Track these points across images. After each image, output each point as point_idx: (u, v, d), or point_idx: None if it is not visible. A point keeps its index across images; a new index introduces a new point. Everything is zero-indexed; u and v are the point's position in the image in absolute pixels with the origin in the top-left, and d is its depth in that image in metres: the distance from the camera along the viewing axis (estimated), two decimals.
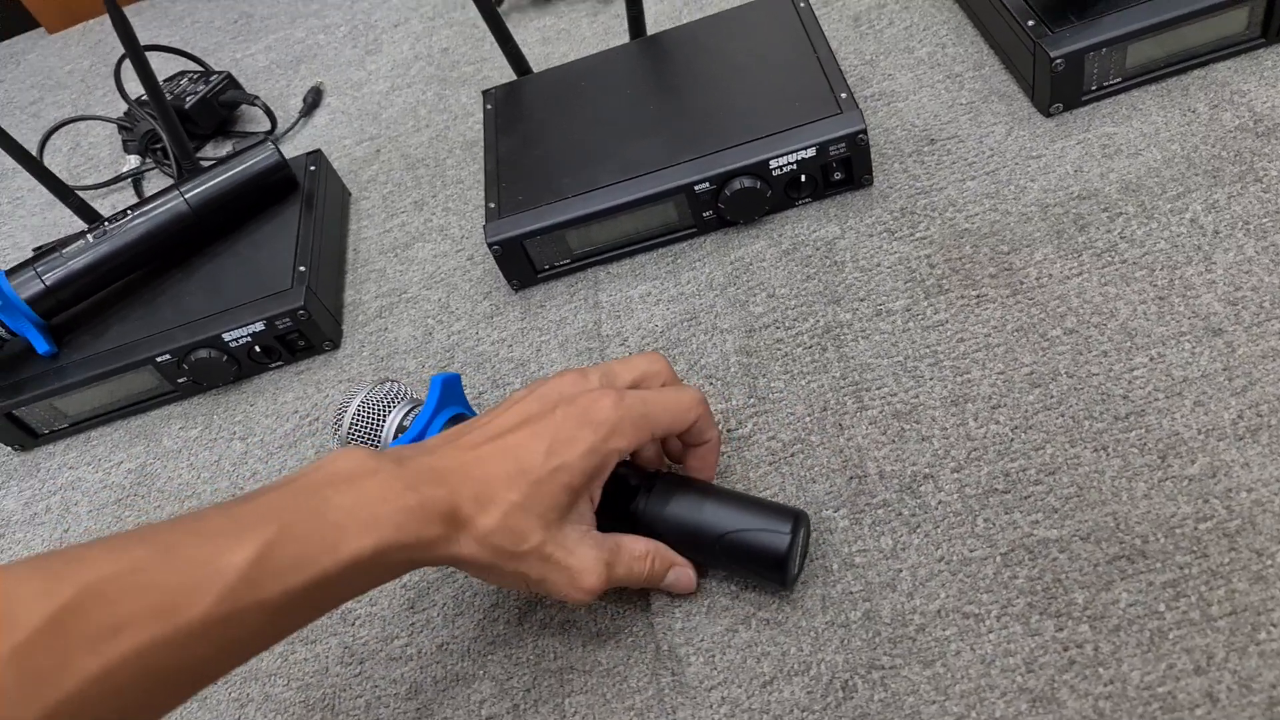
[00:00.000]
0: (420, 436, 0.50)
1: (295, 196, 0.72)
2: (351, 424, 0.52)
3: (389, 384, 0.54)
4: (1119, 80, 0.60)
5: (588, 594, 0.43)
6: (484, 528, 0.41)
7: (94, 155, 0.95)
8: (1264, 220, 0.52)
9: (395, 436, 0.52)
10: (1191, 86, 0.60)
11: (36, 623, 0.31)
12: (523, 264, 0.63)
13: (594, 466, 0.43)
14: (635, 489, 0.47)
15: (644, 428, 0.44)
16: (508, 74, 0.76)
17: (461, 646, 0.50)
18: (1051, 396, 0.49)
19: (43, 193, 0.92)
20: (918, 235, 0.58)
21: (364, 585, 0.40)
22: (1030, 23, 0.59)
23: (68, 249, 0.66)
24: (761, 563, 0.45)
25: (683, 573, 0.46)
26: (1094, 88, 0.60)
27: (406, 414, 0.53)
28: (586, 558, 0.43)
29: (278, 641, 0.38)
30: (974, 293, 0.55)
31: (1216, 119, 0.57)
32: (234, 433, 0.64)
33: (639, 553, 0.45)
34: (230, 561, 0.35)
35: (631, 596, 0.49)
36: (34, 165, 0.72)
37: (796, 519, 0.45)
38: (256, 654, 0.37)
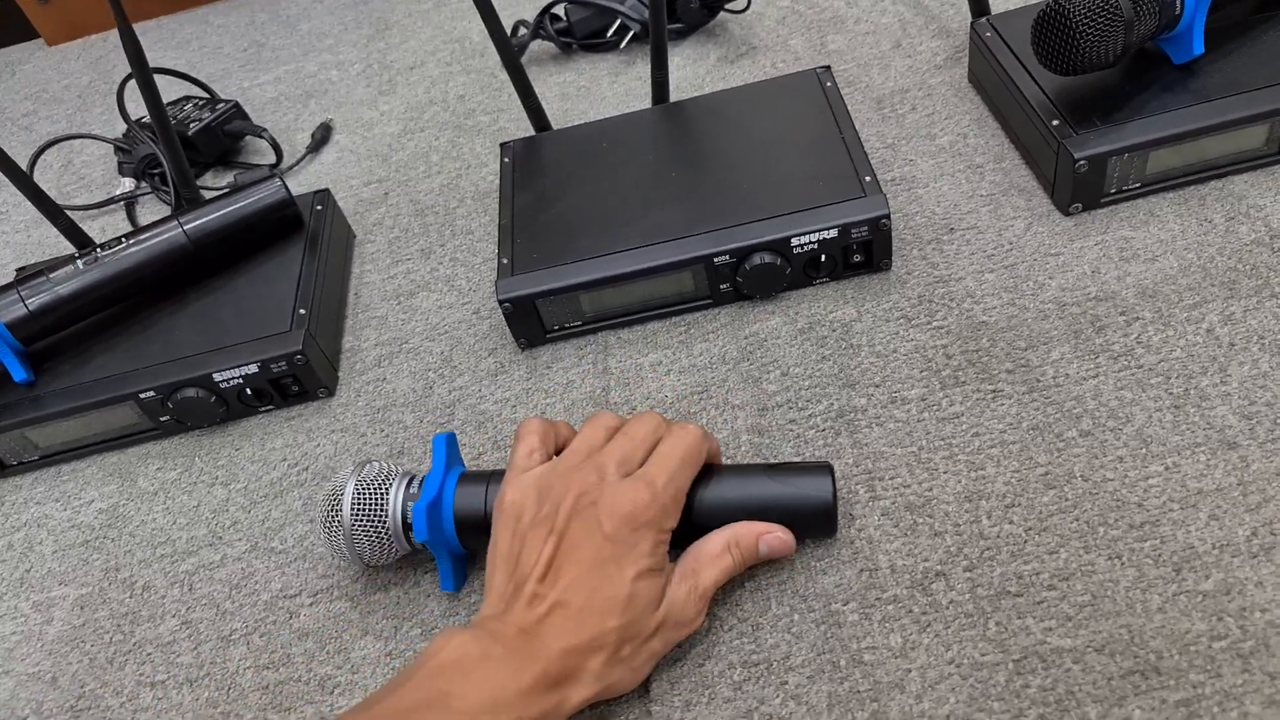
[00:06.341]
0: (437, 501, 0.49)
1: (299, 235, 0.70)
2: (353, 511, 0.50)
3: (371, 464, 0.52)
4: (1138, 185, 0.60)
5: (697, 626, 0.47)
6: (601, 664, 0.43)
7: (86, 175, 0.93)
8: (1279, 336, 0.53)
9: (405, 508, 0.50)
10: (1209, 197, 0.60)
11: None
12: (532, 323, 0.62)
13: (663, 549, 0.46)
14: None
15: (680, 497, 0.46)
16: (525, 126, 0.75)
17: None
18: (1066, 500, 0.49)
19: (27, 210, 0.89)
20: (935, 324, 0.58)
21: None
22: (1055, 122, 0.60)
23: (55, 274, 0.64)
24: (811, 520, 0.48)
25: (773, 538, 0.47)
26: (1113, 191, 0.60)
27: (409, 484, 0.51)
28: (682, 604, 0.45)
29: None
30: (990, 387, 0.54)
31: (1233, 231, 0.58)
32: (216, 478, 0.62)
33: (717, 552, 0.47)
34: None
35: None
36: (24, 181, 0.69)
37: (830, 472, 0.48)
38: None
